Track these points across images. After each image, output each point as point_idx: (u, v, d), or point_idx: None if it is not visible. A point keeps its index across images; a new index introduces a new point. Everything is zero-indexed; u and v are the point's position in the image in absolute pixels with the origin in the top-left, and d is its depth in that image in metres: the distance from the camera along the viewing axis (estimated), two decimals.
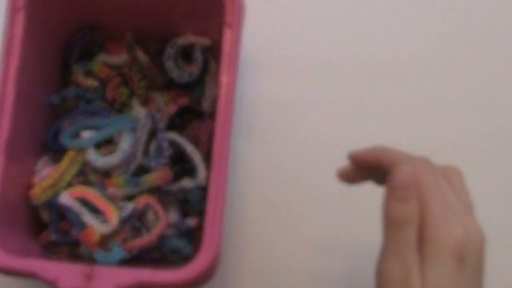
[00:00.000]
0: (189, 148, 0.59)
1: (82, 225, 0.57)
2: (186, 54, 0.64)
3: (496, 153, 0.66)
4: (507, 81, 0.68)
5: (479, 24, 0.69)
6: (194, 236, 0.60)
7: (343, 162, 0.65)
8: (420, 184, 0.43)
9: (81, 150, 0.58)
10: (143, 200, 0.58)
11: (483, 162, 0.66)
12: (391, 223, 0.43)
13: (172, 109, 0.63)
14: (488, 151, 0.66)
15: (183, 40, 0.62)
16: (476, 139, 0.66)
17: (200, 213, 0.59)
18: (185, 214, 0.60)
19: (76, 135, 0.60)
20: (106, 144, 0.60)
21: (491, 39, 0.69)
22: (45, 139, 0.61)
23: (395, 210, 0.43)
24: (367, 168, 0.50)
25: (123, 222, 0.56)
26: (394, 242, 0.43)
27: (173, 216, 0.59)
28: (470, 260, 0.41)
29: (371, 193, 0.64)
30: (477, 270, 0.42)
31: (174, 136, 0.60)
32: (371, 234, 0.63)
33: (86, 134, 0.59)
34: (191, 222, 0.59)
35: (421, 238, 0.42)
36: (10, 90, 0.54)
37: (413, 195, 0.43)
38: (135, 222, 0.58)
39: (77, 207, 0.57)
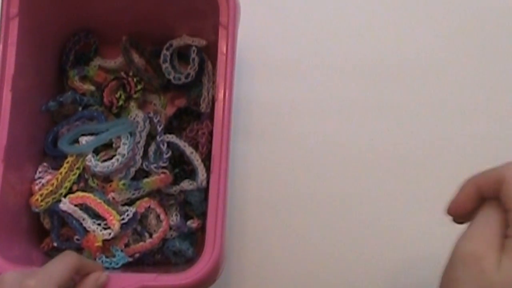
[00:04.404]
0: (188, 150, 0.59)
1: (84, 231, 0.57)
2: (182, 55, 0.63)
3: (496, 154, 0.65)
4: (507, 82, 0.67)
5: (479, 24, 0.69)
6: (196, 238, 0.60)
7: (341, 161, 0.65)
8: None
9: (80, 155, 0.58)
10: (144, 204, 0.58)
11: (483, 163, 0.65)
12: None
13: (170, 111, 0.63)
14: (488, 151, 0.66)
15: (179, 41, 0.62)
16: (475, 139, 0.66)
17: (201, 215, 0.59)
18: (186, 216, 0.60)
19: (74, 140, 0.59)
20: (105, 149, 0.59)
21: (491, 40, 0.68)
22: (43, 146, 0.61)
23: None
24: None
25: (125, 226, 0.56)
26: (481, 225, 0.43)
27: (174, 218, 0.59)
28: None
29: (370, 193, 0.64)
30: None
31: (173, 138, 0.59)
32: (372, 233, 0.64)
33: (85, 140, 0.58)
34: (193, 224, 0.59)
35: (508, 234, 0.42)
36: (7, 97, 0.54)
37: None
38: (137, 226, 0.58)
39: (78, 213, 0.56)
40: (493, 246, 0.41)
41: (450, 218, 0.46)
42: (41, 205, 0.57)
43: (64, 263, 0.48)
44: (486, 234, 0.42)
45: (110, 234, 0.56)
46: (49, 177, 0.58)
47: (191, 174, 0.59)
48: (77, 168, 0.58)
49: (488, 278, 0.40)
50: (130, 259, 0.57)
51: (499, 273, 0.40)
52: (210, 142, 0.55)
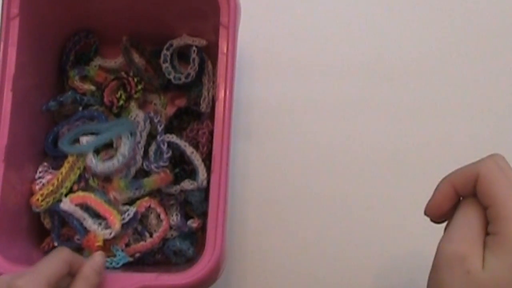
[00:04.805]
0: (189, 150, 0.59)
1: (85, 231, 0.57)
2: (182, 55, 0.64)
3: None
4: (507, 82, 0.68)
5: (478, 24, 0.69)
6: (196, 237, 0.61)
7: (341, 161, 0.65)
8: (493, 182, 0.42)
9: (81, 155, 0.58)
10: (144, 203, 0.58)
11: None
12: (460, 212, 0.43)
13: (170, 110, 0.63)
14: (488, 151, 0.65)
15: (179, 41, 0.62)
16: (475, 139, 0.66)
17: (202, 214, 0.60)
18: (186, 215, 0.60)
19: (75, 140, 0.59)
20: (105, 148, 0.59)
21: (490, 40, 0.68)
22: (44, 146, 0.61)
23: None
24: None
25: (126, 226, 0.57)
26: (461, 224, 0.42)
27: (174, 218, 0.59)
28: None
29: (371, 192, 0.64)
30: None
31: (173, 138, 0.59)
32: (373, 233, 0.64)
33: (85, 140, 0.58)
34: (193, 223, 0.59)
35: (493, 231, 0.41)
36: (8, 97, 0.54)
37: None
38: (137, 226, 0.58)
39: (79, 213, 0.56)
40: (475, 245, 0.41)
41: (429, 218, 0.46)
42: (42, 205, 0.57)
43: (55, 259, 0.47)
44: (467, 234, 0.42)
45: (110, 233, 0.56)
46: (49, 177, 0.58)
47: (192, 174, 0.59)
48: (78, 168, 0.58)
49: (474, 278, 0.40)
50: (131, 259, 0.57)
51: (484, 272, 0.40)
52: (211, 142, 0.55)
